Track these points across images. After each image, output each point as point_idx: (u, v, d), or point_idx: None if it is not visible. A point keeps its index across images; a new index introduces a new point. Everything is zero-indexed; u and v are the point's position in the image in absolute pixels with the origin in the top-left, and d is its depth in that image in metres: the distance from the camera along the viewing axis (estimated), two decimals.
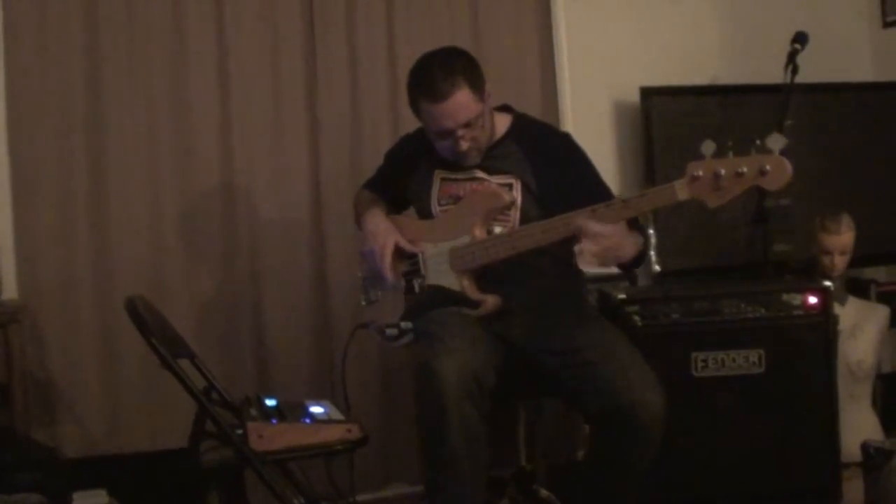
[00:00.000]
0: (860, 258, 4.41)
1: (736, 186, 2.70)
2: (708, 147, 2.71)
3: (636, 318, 3.47)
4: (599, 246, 2.77)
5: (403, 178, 3.37)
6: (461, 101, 3.03)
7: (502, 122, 3.26)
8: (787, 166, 2.64)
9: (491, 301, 3.08)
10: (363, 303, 3.44)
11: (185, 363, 3.11)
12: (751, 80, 4.65)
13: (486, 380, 2.85)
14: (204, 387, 3.21)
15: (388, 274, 3.20)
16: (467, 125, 3.07)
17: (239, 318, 4.15)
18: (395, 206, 3.43)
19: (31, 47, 3.93)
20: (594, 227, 2.77)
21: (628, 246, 2.91)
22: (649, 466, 2.89)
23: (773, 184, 2.67)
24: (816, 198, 4.63)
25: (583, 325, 3.11)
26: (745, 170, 2.66)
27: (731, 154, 2.70)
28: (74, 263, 3.96)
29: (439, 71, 3.04)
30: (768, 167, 2.65)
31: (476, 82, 3.07)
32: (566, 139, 3.39)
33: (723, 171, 2.68)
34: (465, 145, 3.09)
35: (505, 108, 3.32)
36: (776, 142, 2.65)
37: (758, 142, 2.69)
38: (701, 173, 2.71)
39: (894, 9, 5.07)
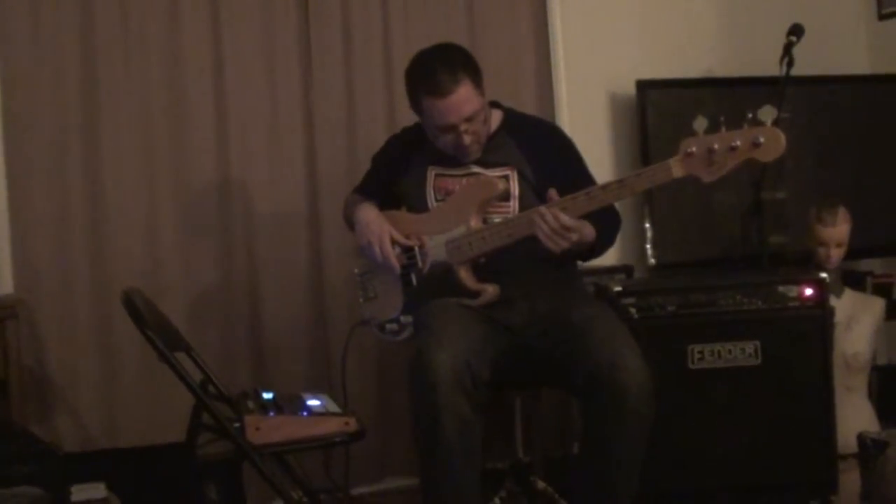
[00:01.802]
0: (856, 250, 4.42)
1: (730, 160, 2.71)
2: (700, 123, 2.72)
3: (632, 310, 3.47)
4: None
5: (395, 179, 3.37)
6: (465, 96, 3.05)
7: (494, 117, 3.28)
8: (781, 137, 2.66)
9: (490, 290, 3.09)
10: (361, 300, 3.44)
11: (181, 356, 3.10)
12: (746, 73, 4.65)
13: (480, 372, 2.85)
14: (201, 380, 3.21)
15: (394, 261, 3.20)
16: (470, 119, 3.08)
17: (236, 311, 4.15)
18: (386, 207, 3.40)
19: (26, 41, 3.93)
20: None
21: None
22: (642, 450, 2.88)
23: (768, 155, 2.68)
24: (812, 190, 4.64)
25: (576, 304, 3.13)
26: (738, 143, 2.68)
27: (723, 129, 2.70)
28: (71, 257, 3.97)
29: (441, 66, 3.05)
30: (762, 139, 2.66)
31: (476, 76, 3.10)
32: (556, 130, 3.46)
33: (716, 146, 2.69)
34: (468, 139, 3.11)
35: (493, 104, 3.33)
36: (768, 113, 2.66)
37: (750, 115, 2.69)
38: (695, 149, 2.72)
39: (890, 1, 5.08)
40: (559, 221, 2.89)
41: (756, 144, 2.67)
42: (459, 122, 3.07)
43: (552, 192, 2.95)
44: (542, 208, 2.93)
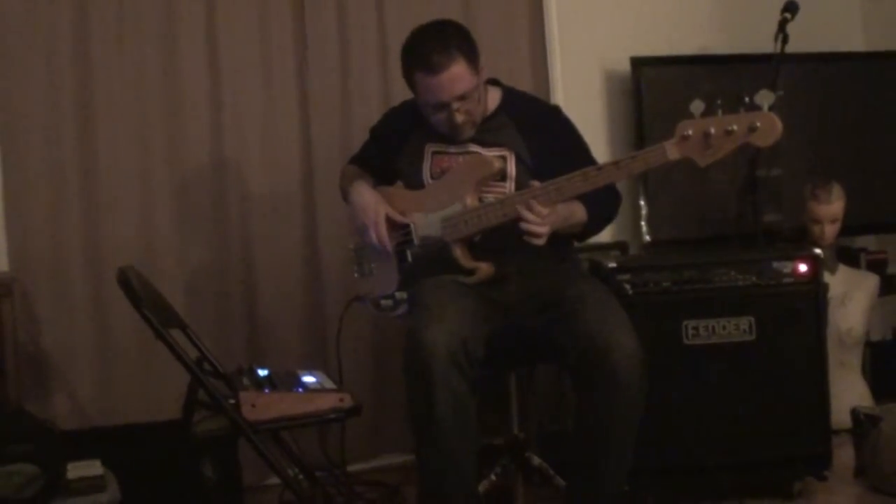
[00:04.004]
0: (850, 227, 4.43)
1: (726, 144, 2.70)
2: (697, 106, 2.71)
3: (627, 286, 3.47)
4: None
5: (392, 153, 3.36)
6: (457, 74, 3.03)
7: (493, 96, 3.27)
8: (777, 122, 2.65)
9: (485, 268, 3.09)
10: (356, 275, 3.44)
11: (177, 334, 3.12)
12: (741, 50, 4.65)
13: (475, 349, 2.85)
14: (196, 357, 3.22)
15: (387, 245, 3.20)
16: (462, 98, 3.07)
17: (231, 289, 4.15)
18: (381, 181, 3.41)
19: (20, 23, 3.91)
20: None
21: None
22: (635, 428, 2.89)
23: (764, 140, 2.67)
24: (806, 167, 4.65)
25: (571, 281, 3.13)
26: (734, 127, 2.67)
27: (720, 113, 2.70)
28: (66, 236, 3.97)
29: (435, 43, 3.04)
30: (758, 123, 2.65)
31: (471, 55, 3.07)
32: (556, 111, 3.42)
33: (712, 130, 2.69)
34: (460, 118, 3.10)
35: (493, 82, 3.32)
36: (765, 98, 2.66)
37: (747, 99, 2.69)
38: (691, 132, 2.72)
39: None
40: (534, 211, 2.90)
41: (752, 129, 2.66)
42: (451, 100, 3.06)
43: (534, 183, 2.96)
44: (518, 201, 2.94)
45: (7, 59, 3.91)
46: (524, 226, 2.90)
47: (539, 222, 2.89)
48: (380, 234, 3.20)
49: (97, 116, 4.00)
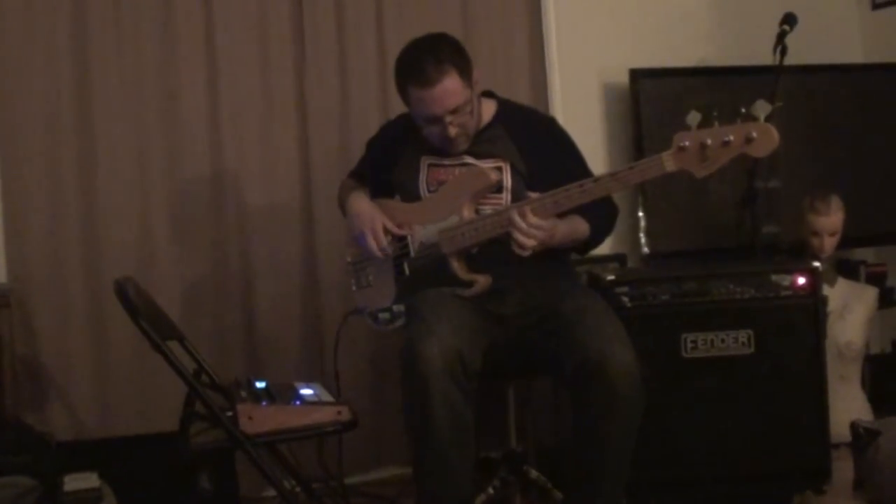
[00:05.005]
0: (849, 239, 4.42)
1: (723, 155, 2.71)
2: (693, 118, 2.72)
3: (625, 299, 3.47)
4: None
5: (388, 166, 3.36)
6: (449, 88, 3.04)
7: (488, 108, 3.27)
8: (774, 133, 2.66)
9: (482, 281, 3.09)
10: (354, 288, 3.44)
11: (174, 345, 3.11)
12: (740, 62, 4.65)
13: (472, 361, 2.85)
14: (194, 369, 3.21)
15: (386, 249, 3.20)
16: (455, 111, 3.07)
17: (229, 301, 4.14)
18: (379, 194, 3.41)
19: (18, 29, 3.91)
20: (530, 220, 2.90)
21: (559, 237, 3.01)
22: (632, 441, 2.89)
23: (760, 151, 2.68)
24: (806, 179, 4.65)
25: (568, 294, 3.13)
26: (731, 138, 2.68)
27: (716, 124, 2.71)
28: (64, 247, 3.95)
29: (428, 57, 3.05)
30: (755, 134, 2.66)
31: (464, 69, 3.08)
32: (551, 123, 3.44)
33: (709, 141, 2.69)
34: (453, 131, 3.10)
35: (488, 94, 3.32)
36: (761, 109, 2.66)
37: (743, 110, 2.70)
38: (688, 144, 2.72)
39: None
40: (527, 220, 2.89)
41: (749, 140, 2.67)
42: (443, 113, 3.07)
43: (531, 194, 2.96)
44: (514, 209, 2.94)
45: (5, 68, 3.90)
46: (514, 234, 2.90)
47: (526, 231, 2.89)
48: (377, 239, 3.20)
49: (95, 127, 3.99)
